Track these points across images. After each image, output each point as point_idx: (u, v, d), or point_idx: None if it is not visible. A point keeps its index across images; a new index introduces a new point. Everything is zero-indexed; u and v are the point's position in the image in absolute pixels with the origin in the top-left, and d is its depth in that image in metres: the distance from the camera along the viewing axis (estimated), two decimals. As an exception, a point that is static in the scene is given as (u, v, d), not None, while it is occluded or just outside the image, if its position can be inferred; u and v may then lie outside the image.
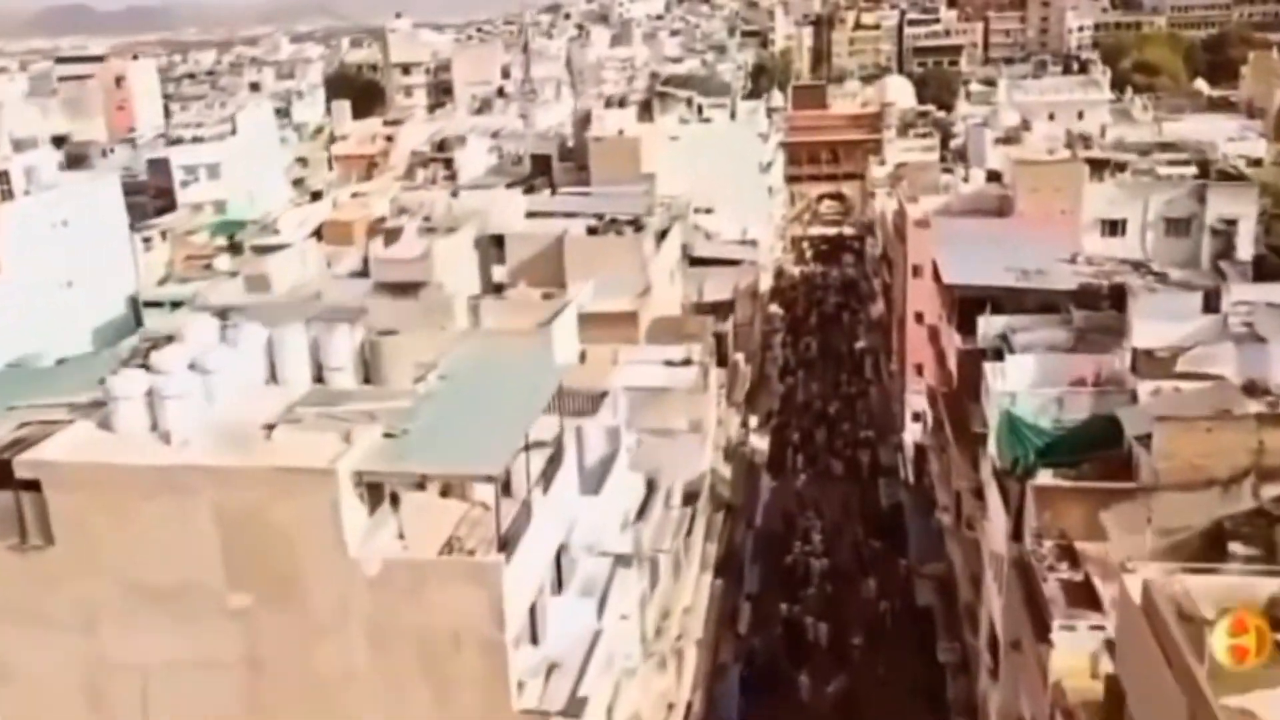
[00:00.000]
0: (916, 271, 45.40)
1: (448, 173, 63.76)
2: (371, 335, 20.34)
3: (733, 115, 68.20)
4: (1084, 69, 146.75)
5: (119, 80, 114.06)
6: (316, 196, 78.27)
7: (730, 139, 66.90)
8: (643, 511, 23.20)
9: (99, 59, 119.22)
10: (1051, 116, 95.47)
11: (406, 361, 19.58)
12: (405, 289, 38.67)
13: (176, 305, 37.60)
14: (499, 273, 47.80)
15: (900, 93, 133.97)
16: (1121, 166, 50.36)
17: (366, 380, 20.00)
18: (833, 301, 77.08)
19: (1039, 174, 44.28)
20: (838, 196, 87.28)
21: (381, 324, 29.91)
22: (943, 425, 35.88)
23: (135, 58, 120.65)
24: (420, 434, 17.27)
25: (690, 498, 32.48)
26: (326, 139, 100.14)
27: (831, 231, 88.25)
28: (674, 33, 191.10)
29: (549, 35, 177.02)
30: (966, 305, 35.90)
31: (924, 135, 74.96)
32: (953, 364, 34.67)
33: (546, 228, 47.78)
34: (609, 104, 63.31)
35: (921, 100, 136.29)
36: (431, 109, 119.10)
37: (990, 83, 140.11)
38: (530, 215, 50.70)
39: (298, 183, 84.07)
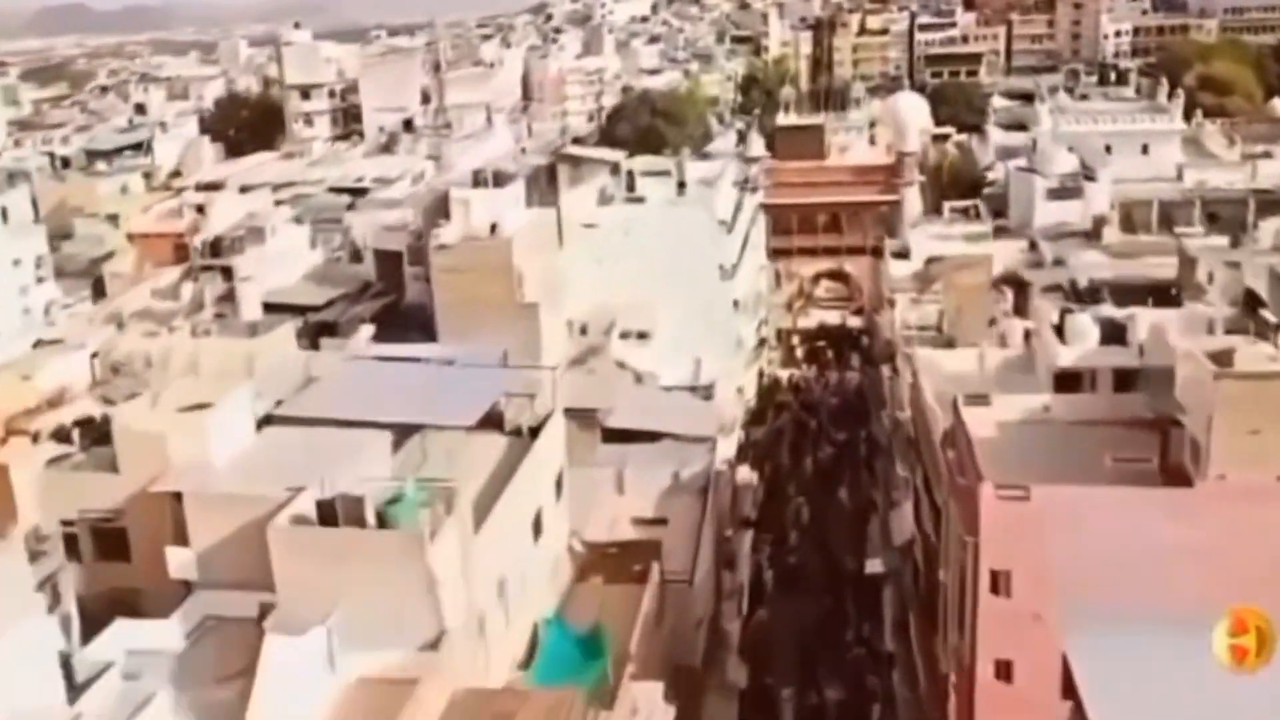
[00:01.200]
0: (996, 584, 22.21)
1: (228, 286, 40.55)
2: None
3: (681, 187, 45.03)
4: (1121, 79, 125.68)
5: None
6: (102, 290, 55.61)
7: (675, 227, 43.89)
8: None
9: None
10: (1108, 149, 72.61)
11: None
12: None
13: None
14: (178, 560, 24.91)
15: (915, 115, 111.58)
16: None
17: None
18: (832, 442, 53.65)
19: (1261, 399, 21.02)
20: (840, 276, 64.03)
21: None
22: None
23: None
24: None
25: None
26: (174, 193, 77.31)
27: (832, 318, 65.06)
28: (653, 39, 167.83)
29: (506, 44, 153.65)
30: None
31: (966, 211, 51.39)
32: None
33: (269, 469, 24.90)
34: (479, 181, 40.02)
35: (938, 119, 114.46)
36: (337, 140, 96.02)
37: (1017, 96, 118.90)
38: (269, 422, 27.60)
39: (105, 259, 60.93)
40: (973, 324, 44.95)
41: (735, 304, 45.13)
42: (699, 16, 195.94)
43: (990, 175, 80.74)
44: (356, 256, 44.94)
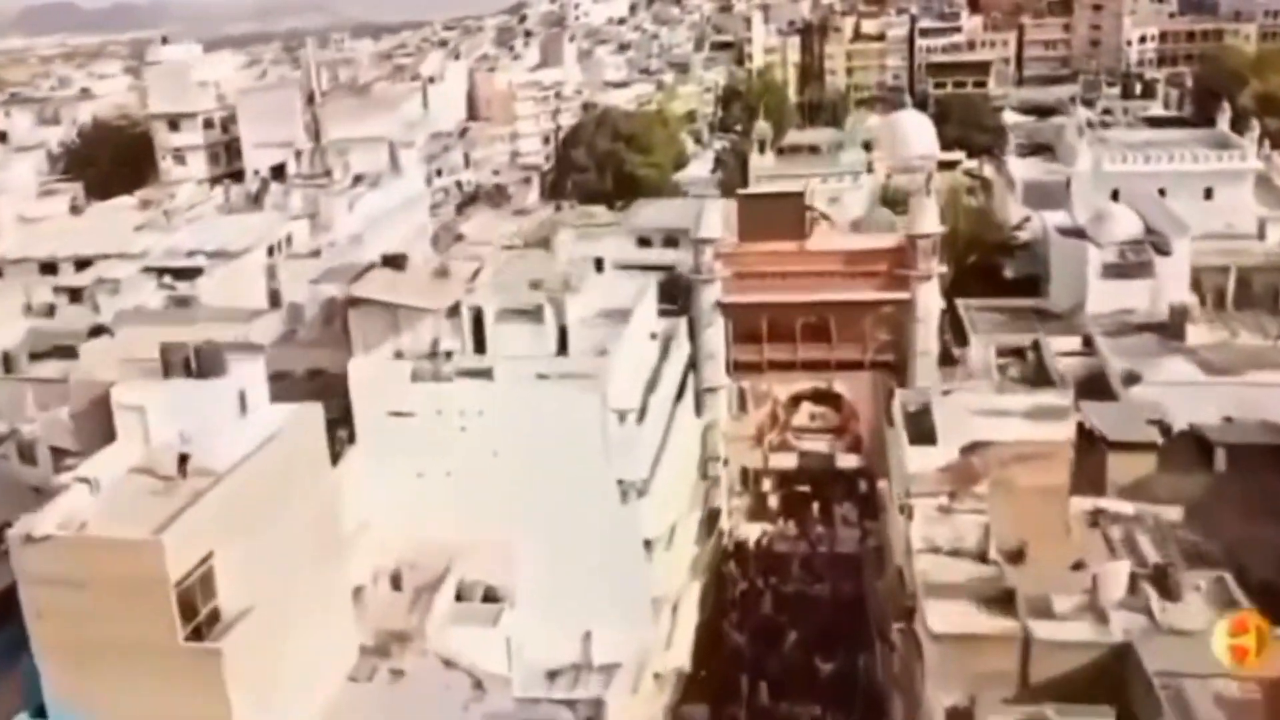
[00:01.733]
0: None
1: None
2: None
3: (562, 336, 27.15)
4: (1148, 91, 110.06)
5: None
6: None
7: (545, 418, 26.00)
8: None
9: None
10: (1162, 193, 55.87)
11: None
12: None
13: None
14: None
15: (920, 138, 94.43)
16: None
17: None
18: (815, 689, 35.63)
19: None
20: (828, 398, 45.87)
21: None
22: None
23: None
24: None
25: None
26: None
27: (817, 451, 47.23)
28: (623, 46, 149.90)
29: (455, 55, 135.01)
30: None
31: (1021, 352, 33.18)
32: None
33: None
34: (173, 365, 22.21)
35: (944, 141, 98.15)
36: (215, 182, 77.92)
37: (1030, 110, 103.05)
38: None
39: None
40: (1042, 561, 27.73)
41: (647, 546, 26.95)
42: (679, 19, 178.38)
43: (1021, 235, 63.62)
44: (31, 453, 27.18)
